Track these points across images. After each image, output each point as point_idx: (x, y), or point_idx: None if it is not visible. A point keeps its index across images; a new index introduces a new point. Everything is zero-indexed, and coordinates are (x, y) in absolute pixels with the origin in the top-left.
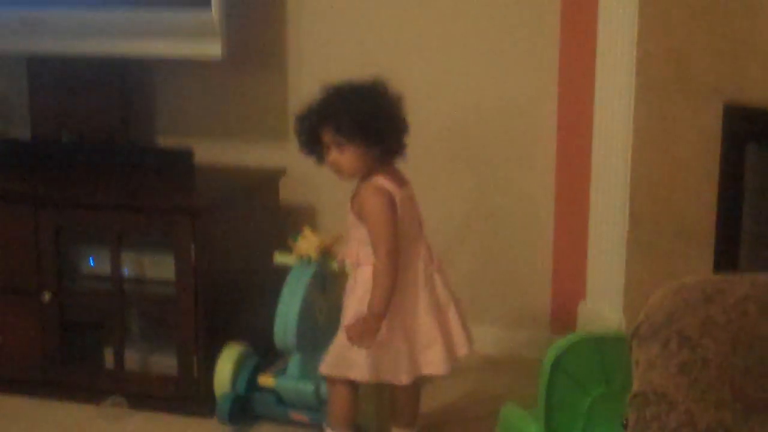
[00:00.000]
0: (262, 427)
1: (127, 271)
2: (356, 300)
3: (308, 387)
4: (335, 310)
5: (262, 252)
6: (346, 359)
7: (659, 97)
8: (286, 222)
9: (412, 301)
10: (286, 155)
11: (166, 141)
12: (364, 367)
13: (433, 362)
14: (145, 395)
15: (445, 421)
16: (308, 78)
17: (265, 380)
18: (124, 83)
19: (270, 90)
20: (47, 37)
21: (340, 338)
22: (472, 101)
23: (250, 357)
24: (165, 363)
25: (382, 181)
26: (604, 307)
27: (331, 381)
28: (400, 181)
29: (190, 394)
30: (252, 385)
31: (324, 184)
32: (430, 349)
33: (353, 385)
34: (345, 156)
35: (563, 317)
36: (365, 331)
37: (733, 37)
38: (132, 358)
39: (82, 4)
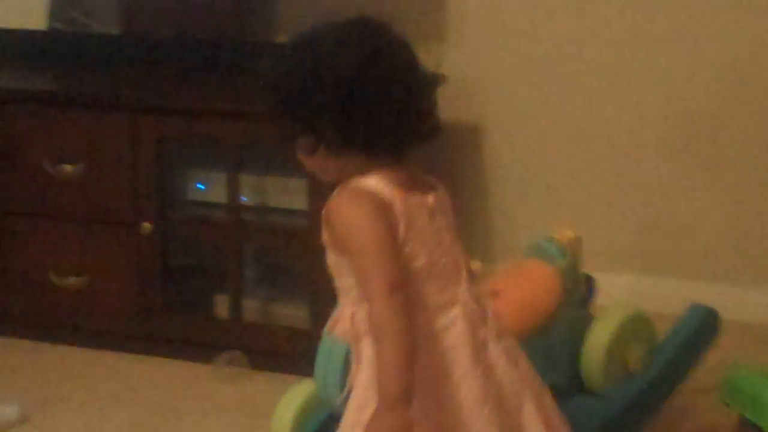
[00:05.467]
0: None
1: (245, 197)
2: (363, 390)
3: None
4: None
5: None
6: None
7: None
8: (442, 142)
9: (449, 387)
10: (443, 60)
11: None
12: None
13: None
14: (267, 352)
15: None
16: None
17: None
18: None
19: None
20: None
21: None
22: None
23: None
24: (292, 313)
25: (368, 181)
26: None
27: None
28: (414, 184)
29: None
30: None
31: (494, 95)
32: None
33: None
34: (304, 155)
35: None
36: None
37: None
38: (251, 307)
39: None
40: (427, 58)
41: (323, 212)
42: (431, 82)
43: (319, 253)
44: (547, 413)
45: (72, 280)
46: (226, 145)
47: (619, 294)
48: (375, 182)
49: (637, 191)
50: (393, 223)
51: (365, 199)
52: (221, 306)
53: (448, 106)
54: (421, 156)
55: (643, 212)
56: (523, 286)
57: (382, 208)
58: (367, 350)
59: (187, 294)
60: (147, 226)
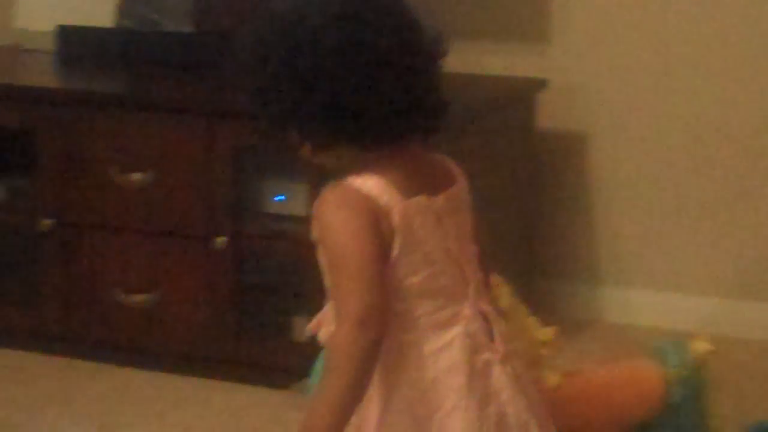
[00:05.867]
0: None
1: None
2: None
3: None
4: None
5: (511, 188)
6: None
7: None
8: (543, 151)
9: (437, 418)
10: (546, 63)
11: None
12: None
13: None
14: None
15: None
16: None
17: None
18: None
19: None
20: None
21: None
22: None
23: None
24: None
25: (365, 181)
26: None
27: None
28: (421, 180)
29: None
30: None
31: (600, 102)
32: None
33: None
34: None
35: None
36: None
37: None
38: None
39: None
40: (530, 61)
41: (314, 206)
42: (434, 53)
43: None
44: None
45: (139, 298)
46: None
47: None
48: (372, 184)
49: (750, 208)
50: (387, 237)
51: (356, 208)
52: (300, 328)
53: (552, 112)
54: (521, 165)
55: (758, 229)
56: (610, 381)
57: (375, 219)
58: None
59: (263, 315)
60: (221, 240)
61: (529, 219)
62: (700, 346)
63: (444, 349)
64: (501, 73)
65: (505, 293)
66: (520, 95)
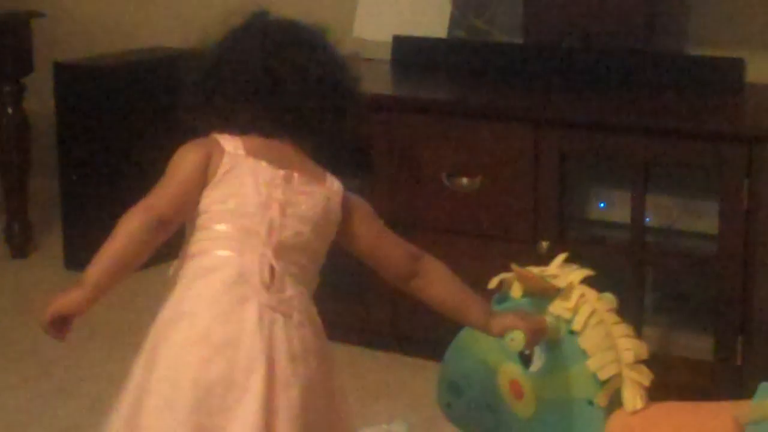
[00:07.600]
0: None
1: (650, 218)
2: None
3: None
4: None
5: None
6: None
7: None
8: None
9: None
10: None
11: (703, 51)
12: None
13: None
14: (664, 383)
15: None
16: None
17: None
18: None
19: None
20: None
21: None
22: None
23: None
24: (693, 344)
25: (219, 136)
26: None
27: None
28: (278, 163)
29: (728, 385)
30: None
31: None
32: None
33: None
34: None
35: None
36: (62, 302)
37: None
38: (647, 335)
39: None
40: None
41: None
42: (346, 86)
43: (727, 281)
44: (293, 409)
45: None
46: (632, 161)
47: None
48: (227, 136)
49: None
50: (214, 166)
51: (199, 145)
52: None
53: None
54: None
55: None
56: (683, 422)
57: (209, 152)
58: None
59: None
60: (545, 244)
61: None
62: None
63: (211, 270)
64: None
65: (590, 301)
66: None
